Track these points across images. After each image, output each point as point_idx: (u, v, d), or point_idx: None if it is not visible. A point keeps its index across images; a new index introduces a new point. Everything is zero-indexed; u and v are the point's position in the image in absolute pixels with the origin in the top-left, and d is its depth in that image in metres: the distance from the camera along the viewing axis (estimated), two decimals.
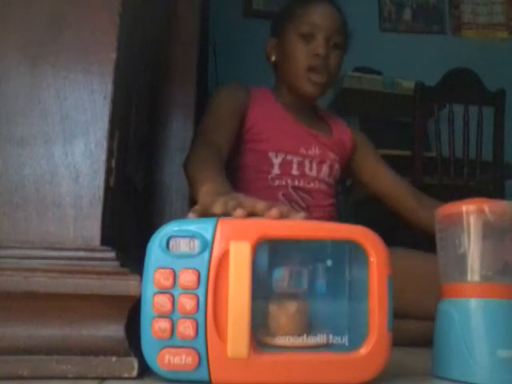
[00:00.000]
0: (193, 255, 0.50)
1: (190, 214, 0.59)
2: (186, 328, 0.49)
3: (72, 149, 0.58)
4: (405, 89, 2.28)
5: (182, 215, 0.97)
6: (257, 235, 0.51)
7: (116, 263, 0.55)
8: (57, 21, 0.61)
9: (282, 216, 0.54)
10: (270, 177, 1.06)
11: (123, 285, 0.53)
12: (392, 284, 0.52)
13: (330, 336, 0.52)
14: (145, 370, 0.54)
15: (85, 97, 0.59)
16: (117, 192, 0.63)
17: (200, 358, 0.49)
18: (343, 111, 2.41)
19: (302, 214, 0.57)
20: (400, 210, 1.16)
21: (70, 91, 0.59)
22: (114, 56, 0.61)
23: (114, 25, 0.61)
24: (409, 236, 1.65)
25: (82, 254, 0.55)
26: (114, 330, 0.54)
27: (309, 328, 0.52)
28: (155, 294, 0.50)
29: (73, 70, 0.60)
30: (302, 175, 1.09)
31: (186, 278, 0.50)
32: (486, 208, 0.58)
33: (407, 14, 2.78)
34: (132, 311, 0.54)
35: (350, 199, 2.08)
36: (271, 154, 1.07)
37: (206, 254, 0.50)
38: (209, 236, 0.51)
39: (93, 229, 0.57)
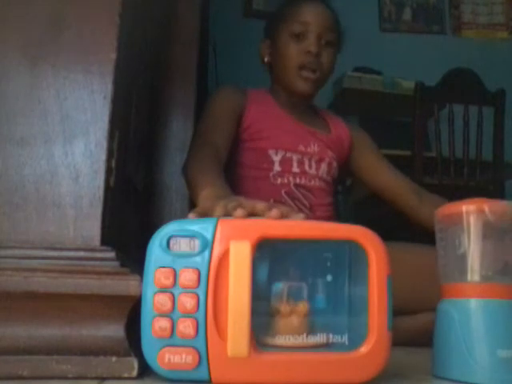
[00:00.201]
0: (193, 254, 0.50)
1: (191, 215, 0.59)
2: (186, 327, 0.49)
3: (72, 149, 0.58)
4: (405, 89, 2.28)
5: (182, 215, 0.97)
6: (257, 235, 0.51)
7: (116, 263, 0.55)
8: (57, 21, 0.61)
9: (282, 216, 0.55)
10: (271, 174, 1.06)
11: (123, 285, 0.54)
12: (391, 283, 0.52)
13: (330, 335, 0.52)
14: (145, 369, 0.54)
15: (85, 97, 0.59)
16: (117, 192, 0.63)
17: (200, 357, 0.49)
18: (343, 111, 2.41)
19: (302, 214, 0.57)
20: (400, 207, 1.16)
21: (70, 91, 0.59)
22: (114, 56, 0.61)
23: (113, 25, 0.61)
24: (409, 236, 1.65)
25: (82, 254, 0.55)
26: (114, 330, 0.54)
27: (309, 327, 0.52)
28: (155, 292, 0.50)
29: (73, 70, 0.60)
30: (303, 172, 1.09)
31: (187, 277, 0.50)
32: (486, 208, 0.58)
33: (407, 14, 2.78)
34: (132, 311, 0.54)
35: (350, 199, 2.08)
36: (271, 152, 1.07)
37: (207, 253, 0.50)
38: (209, 235, 0.51)
39: (93, 229, 0.57)
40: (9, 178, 0.57)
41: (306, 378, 0.50)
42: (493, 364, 0.55)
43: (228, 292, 0.49)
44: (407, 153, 1.92)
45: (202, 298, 0.50)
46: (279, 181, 1.06)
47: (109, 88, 0.60)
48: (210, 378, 0.50)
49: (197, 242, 0.51)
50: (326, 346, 0.52)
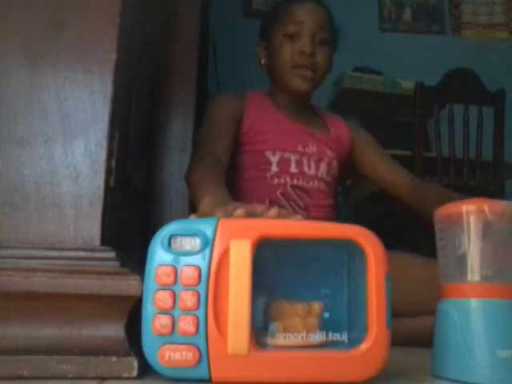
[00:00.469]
0: (194, 253, 0.51)
1: (192, 216, 0.60)
2: (186, 324, 0.49)
3: (72, 149, 0.58)
4: (405, 89, 2.28)
5: (182, 215, 0.97)
6: (257, 234, 0.51)
7: (116, 263, 0.55)
8: (57, 21, 0.61)
9: (279, 216, 0.56)
10: (268, 175, 1.07)
11: (123, 285, 0.54)
12: (390, 282, 0.53)
13: (330, 333, 0.52)
14: (145, 369, 0.55)
15: (85, 97, 0.59)
16: (117, 192, 0.63)
17: (200, 354, 0.49)
18: (343, 111, 2.41)
19: (299, 216, 0.59)
20: (405, 201, 1.15)
21: (70, 91, 0.59)
22: (114, 56, 0.61)
23: (113, 25, 0.61)
24: (408, 236, 1.65)
25: (82, 254, 0.55)
26: (114, 330, 0.54)
27: (309, 326, 0.52)
28: (157, 290, 0.50)
29: (73, 70, 0.60)
30: (301, 173, 1.09)
31: (187, 274, 0.50)
32: (486, 208, 0.58)
33: (407, 14, 2.78)
34: (132, 311, 0.55)
35: (350, 199, 2.08)
36: (268, 153, 1.08)
37: (207, 251, 0.51)
38: (210, 234, 0.51)
39: (93, 229, 0.57)
40: (9, 178, 0.57)
41: (305, 375, 0.51)
42: (493, 364, 0.55)
43: (228, 290, 0.49)
44: (407, 153, 1.92)
45: (202, 295, 0.50)
46: (276, 181, 1.07)
47: (109, 88, 0.60)
48: (210, 376, 0.50)
49: (198, 241, 0.51)
50: (326, 344, 0.52)
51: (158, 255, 0.51)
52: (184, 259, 0.51)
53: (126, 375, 0.53)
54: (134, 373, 0.53)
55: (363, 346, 0.51)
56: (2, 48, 0.60)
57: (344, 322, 0.53)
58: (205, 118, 1.07)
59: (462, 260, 0.59)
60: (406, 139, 1.97)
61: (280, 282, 0.55)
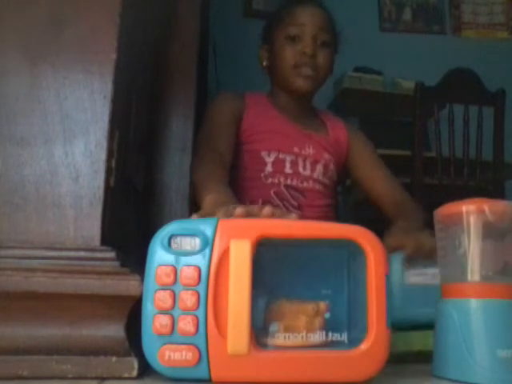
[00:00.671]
0: (194, 253, 0.51)
1: (194, 215, 0.61)
2: (186, 324, 0.49)
3: (72, 149, 0.58)
4: (405, 89, 2.28)
5: (182, 215, 0.97)
6: (256, 234, 0.51)
7: (116, 263, 0.55)
8: (57, 21, 0.61)
9: (273, 215, 0.58)
10: (262, 175, 1.08)
11: (123, 285, 0.54)
12: (389, 282, 0.53)
13: (330, 333, 0.52)
14: (145, 369, 0.55)
15: (85, 97, 0.59)
16: (117, 192, 0.63)
17: (200, 354, 0.49)
18: (343, 111, 2.41)
19: (294, 215, 0.60)
20: (379, 206, 1.15)
21: (70, 91, 0.59)
22: (114, 56, 0.61)
23: (113, 25, 0.61)
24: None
25: (82, 254, 0.55)
26: (114, 330, 0.54)
27: (308, 326, 0.52)
28: (156, 290, 0.50)
29: (73, 70, 0.60)
30: (296, 173, 1.10)
31: (187, 274, 0.50)
32: (486, 208, 0.58)
33: (407, 14, 2.78)
34: (132, 311, 0.55)
35: (350, 199, 2.08)
36: (264, 153, 1.09)
37: (207, 251, 0.51)
38: (209, 234, 0.51)
39: (93, 229, 0.57)
40: (9, 178, 0.57)
41: (305, 375, 0.51)
42: (493, 364, 0.55)
43: (228, 290, 0.49)
44: (407, 153, 1.93)
45: (202, 295, 0.50)
46: (270, 181, 1.08)
47: (109, 88, 0.60)
48: (210, 376, 0.50)
49: (197, 241, 0.51)
50: (326, 344, 0.52)
51: (158, 255, 0.51)
52: (184, 259, 0.51)
53: (125, 375, 0.53)
54: (134, 373, 0.53)
55: (363, 346, 0.51)
56: (1, 48, 0.60)
57: (344, 322, 0.53)
58: (205, 117, 1.08)
59: (461, 260, 0.59)
60: (406, 139, 1.98)
61: (280, 282, 0.55)
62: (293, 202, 1.09)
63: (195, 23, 1.07)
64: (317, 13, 1.11)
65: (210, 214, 0.63)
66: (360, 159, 1.20)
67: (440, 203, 0.64)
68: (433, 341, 0.61)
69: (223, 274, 0.50)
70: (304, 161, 1.11)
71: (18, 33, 0.60)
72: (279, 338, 0.52)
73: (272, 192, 1.08)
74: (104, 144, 0.59)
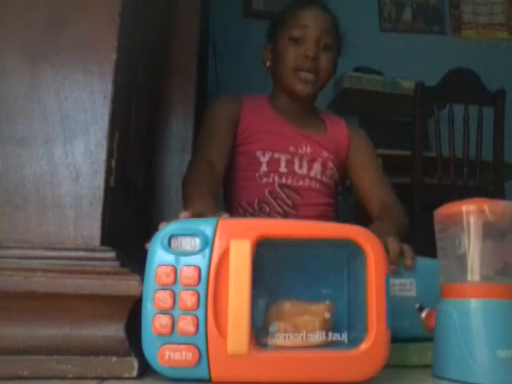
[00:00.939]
0: (194, 253, 0.51)
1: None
2: (186, 324, 0.49)
3: (72, 149, 0.58)
4: (405, 89, 2.28)
5: None
6: (256, 234, 0.51)
7: (116, 263, 0.55)
8: (57, 21, 0.61)
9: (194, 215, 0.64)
10: (257, 174, 1.09)
11: (123, 285, 0.54)
12: (389, 281, 0.53)
13: (330, 333, 0.52)
14: (145, 369, 0.55)
15: (85, 97, 0.59)
16: (117, 192, 0.63)
17: (200, 354, 0.49)
18: (343, 111, 2.40)
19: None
20: (365, 207, 1.15)
21: (70, 91, 0.59)
22: (114, 56, 0.61)
23: (113, 24, 0.61)
24: (406, 236, 1.64)
25: (82, 254, 0.55)
26: (114, 330, 0.54)
27: (308, 326, 0.52)
28: (156, 290, 0.50)
29: (73, 70, 0.60)
30: (291, 172, 1.11)
31: (187, 274, 0.50)
32: (486, 208, 0.58)
33: (407, 14, 2.78)
34: (132, 311, 0.54)
35: (350, 199, 2.08)
36: (258, 153, 1.10)
37: (207, 251, 0.51)
38: (209, 234, 0.51)
39: (93, 229, 0.57)
40: (9, 178, 0.57)
41: (305, 375, 0.51)
42: (492, 364, 0.55)
43: (228, 290, 0.49)
44: (407, 153, 1.92)
45: (202, 295, 0.50)
46: (264, 180, 1.09)
47: (109, 88, 0.60)
48: (210, 376, 0.50)
49: (197, 241, 0.51)
50: (326, 344, 0.52)
51: (158, 255, 0.51)
52: (184, 259, 0.51)
53: (126, 375, 0.53)
54: (134, 373, 0.53)
55: (363, 346, 0.51)
56: (2, 48, 0.60)
57: (344, 322, 0.53)
58: (203, 121, 1.09)
59: (462, 260, 0.59)
60: (406, 139, 1.97)
61: (280, 282, 0.55)
62: (287, 201, 1.10)
63: (195, 23, 1.07)
64: (321, 15, 1.11)
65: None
66: (356, 158, 1.20)
67: (440, 203, 0.64)
68: (432, 346, 0.61)
69: (223, 274, 0.50)
70: (300, 160, 1.12)
71: (18, 33, 0.60)
72: (279, 338, 0.52)
73: (266, 191, 1.09)
74: (104, 144, 0.59)
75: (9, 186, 0.57)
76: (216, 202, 0.84)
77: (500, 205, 0.59)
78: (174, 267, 0.50)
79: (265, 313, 0.53)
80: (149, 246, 0.53)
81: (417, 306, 0.68)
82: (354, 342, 0.52)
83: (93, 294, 0.53)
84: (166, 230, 0.52)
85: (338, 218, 1.27)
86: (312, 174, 1.12)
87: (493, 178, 1.89)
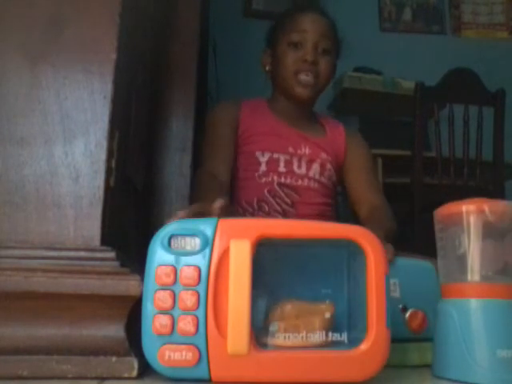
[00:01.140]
0: (194, 253, 0.51)
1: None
2: (186, 324, 0.49)
3: (72, 149, 0.58)
4: (405, 89, 2.28)
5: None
6: (257, 234, 0.51)
7: (116, 263, 0.55)
8: (57, 21, 0.61)
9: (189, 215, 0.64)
10: (257, 174, 1.11)
11: (123, 285, 0.54)
12: (389, 281, 0.53)
13: (330, 333, 0.52)
14: (145, 369, 0.55)
15: (85, 97, 0.59)
16: (117, 192, 0.63)
17: (200, 354, 0.49)
18: (343, 111, 2.41)
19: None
20: (355, 212, 1.18)
21: (70, 91, 0.59)
22: (114, 56, 0.61)
23: (114, 24, 0.61)
24: (406, 236, 1.65)
25: (82, 254, 0.55)
26: (114, 330, 0.54)
27: (308, 326, 0.52)
28: (156, 290, 0.50)
29: (73, 70, 0.60)
30: (290, 172, 1.13)
31: (187, 274, 0.50)
32: (486, 208, 0.58)
33: (407, 14, 2.78)
34: (132, 311, 0.54)
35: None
36: (258, 154, 1.12)
37: (207, 251, 0.51)
38: (209, 234, 0.51)
39: (93, 229, 0.57)
40: (9, 178, 0.57)
41: (305, 375, 0.51)
42: (492, 364, 0.55)
43: (228, 290, 0.49)
44: (407, 153, 1.92)
45: (202, 295, 0.50)
46: (263, 180, 1.11)
47: (109, 88, 0.60)
48: (210, 376, 0.50)
49: (197, 241, 0.51)
50: (326, 344, 0.52)
51: (158, 255, 0.51)
52: (184, 259, 0.51)
53: (126, 375, 0.53)
54: (134, 373, 0.53)
55: (363, 346, 0.51)
56: (1, 47, 0.60)
57: (344, 322, 0.53)
58: (205, 129, 1.13)
59: (462, 260, 0.59)
60: (406, 139, 1.97)
61: (280, 282, 0.55)
62: (286, 200, 1.11)
63: (195, 23, 1.07)
64: (319, 20, 1.14)
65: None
66: (352, 161, 1.22)
67: (440, 203, 0.64)
68: (432, 346, 0.61)
69: (223, 274, 0.50)
70: (299, 160, 1.14)
71: (18, 33, 0.60)
72: (279, 338, 0.52)
73: (265, 191, 1.11)
74: (104, 144, 0.59)
75: (9, 185, 0.57)
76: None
77: (500, 205, 0.59)
78: (174, 267, 0.51)
79: (265, 313, 0.53)
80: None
81: (400, 306, 0.68)
82: (354, 341, 0.52)
83: (93, 293, 0.53)
84: (166, 229, 0.52)
85: (338, 217, 1.28)
86: (311, 174, 1.14)
87: (493, 178, 1.89)
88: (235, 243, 0.50)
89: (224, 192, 0.98)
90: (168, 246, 0.51)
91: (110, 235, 0.60)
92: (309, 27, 1.11)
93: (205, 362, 0.49)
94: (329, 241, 0.54)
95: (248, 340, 0.49)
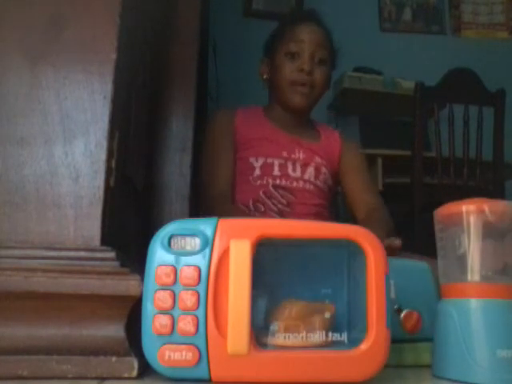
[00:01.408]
0: (194, 253, 0.51)
1: None
2: (186, 324, 0.49)
3: (72, 149, 0.58)
4: (405, 89, 2.28)
5: (181, 215, 0.97)
6: (257, 234, 0.51)
7: (116, 263, 0.55)
8: (57, 21, 0.61)
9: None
10: (251, 178, 1.15)
11: (123, 285, 0.53)
12: (389, 281, 0.53)
13: (330, 333, 0.52)
14: (145, 369, 0.55)
15: (85, 97, 0.59)
16: (117, 192, 0.63)
17: (200, 354, 0.49)
18: (343, 111, 2.41)
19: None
20: (352, 214, 1.22)
21: (70, 91, 0.59)
22: (114, 56, 0.60)
23: (114, 25, 0.61)
24: (408, 237, 1.65)
25: (82, 254, 0.55)
26: (114, 330, 0.54)
27: (309, 326, 0.52)
28: (156, 290, 0.50)
29: (73, 70, 0.60)
30: (284, 175, 1.16)
31: (187, 274, 0.50)
32: (486, 208, 0.58)
33: (407, 14, 2.78)
34: (132, 311, 0.54)
35: None
36: (252, 159, 1.16)
37: (207, 251, 0.51)
38: (209, 234, 0.51)
39: (93, 229, 0.57)
40: (9, 178, 0.57)
41: (305, 375, 0.50)
42: (492, 364, 0.55)
43: (228, 290, 0.49)
44: (407, 153, 1.93)
45: (202, 295, 0.50)
46: (258, 183, 1.15)
47: (109, 88, 0.60)
48: (210, 376, 0.50)
49: (197, 241, 0.51)
50: (326, 344, 0.52)
51: (158, 255, 0.51)
52: (184, 259, 0.51)
53: (125, 375, 0.53)
54: (134, 373, 0.53)
55: (363, 346, 0.51)
56: (1, 48, 0.60)
57: (344, 322, 0.53)
58: (205, 140, 1.17)
59: (462, 260, 0.59)
60: (406, 139, 1.98)
61: (280, 281, 0.55)
62: (282, 200, 1.14)
63: (195, 23, 1.07)
64: (315, 30, 1.17)
65: None
66: (347, 166, 1.26)
67: (440, 203, 0.64)
68: (432, 347, 0.61)
69: (223, 274, 0.50)
70: (294, 164, 1.17)
71: (18, 33, 0.60)
72: (279, 338, 0.52)
73: (261, 192, 1.14)
74: (104, 144, 0.59)
75: (9, 185, 0.57)
76: None
77: (500, 205, 0.59)
78: (174, 267, 0.51)
79: (265, 313, 0.53)
80: None
81: (395, 307, 0.68)
82: (354, 341, 0.52)
83: (93, 294, 0.53)
84: (165, 229, 0.52)
85: (338, 218, 1.29)
86: (306, 176, 1.18)
87: (493, 178, 1.89)
88: (235, 243, 0.50)
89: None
90: (168, 246, 0.51)
91: (110, 235, 0.60)
92: (306, 37, 1.15)
93: (205, 362, 0.49)
94: (329, 241, 0.54)
95: (248, 340, 0.49)
